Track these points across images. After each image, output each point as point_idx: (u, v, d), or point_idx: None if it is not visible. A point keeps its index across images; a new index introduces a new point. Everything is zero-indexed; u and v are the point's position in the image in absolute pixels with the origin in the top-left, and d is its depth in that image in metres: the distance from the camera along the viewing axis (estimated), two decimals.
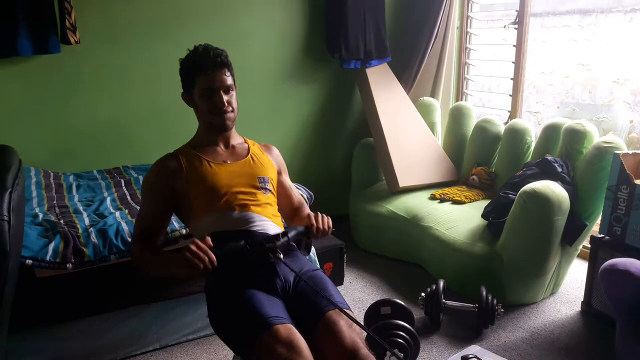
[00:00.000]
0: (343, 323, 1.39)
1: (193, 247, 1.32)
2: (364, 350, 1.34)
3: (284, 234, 1.53)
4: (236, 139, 1.76)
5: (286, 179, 1.86)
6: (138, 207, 2.32)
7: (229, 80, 1.63)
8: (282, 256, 1.48)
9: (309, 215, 1.58)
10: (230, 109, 1.63)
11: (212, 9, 3.10)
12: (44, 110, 2.81)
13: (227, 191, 1.61)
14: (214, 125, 1.65)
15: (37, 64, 2.73)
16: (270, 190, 1.70)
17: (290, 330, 1.33)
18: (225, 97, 1.60)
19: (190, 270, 1.33)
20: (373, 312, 2.26)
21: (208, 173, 1.63)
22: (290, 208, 1.82)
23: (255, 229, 1.58)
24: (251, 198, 1.64)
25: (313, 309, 1.45)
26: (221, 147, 1.71)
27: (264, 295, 1.45)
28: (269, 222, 1.64)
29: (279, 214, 1.75)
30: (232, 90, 1.64)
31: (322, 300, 1.44)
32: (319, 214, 1.57)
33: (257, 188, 1.67)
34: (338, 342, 1.35)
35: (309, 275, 1.54)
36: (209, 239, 1.37)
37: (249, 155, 1.74)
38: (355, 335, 1.37)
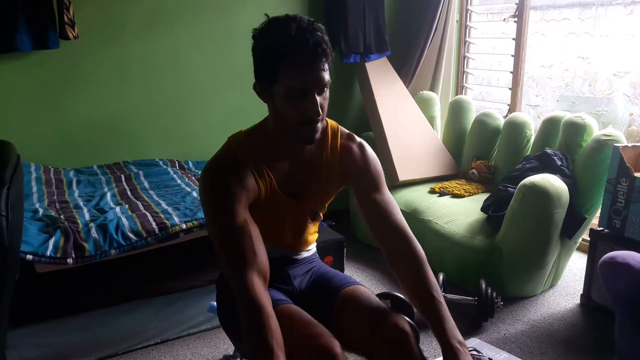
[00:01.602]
0: (361, 294, 1.34)
1: None
2: (391, 312, 1.28)
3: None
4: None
5: (381, 198, 1.35)
6: (138, 202, 2.33)
7: (327, 76, 1.18)
8: None
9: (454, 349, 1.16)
10: (321, 117, 1.20)
11: (210, 2, 3.09)
12: (43, 105, 2.81)
13: (280, 233, 1.38)
14: (297, 139, 1.24)
15: (36, 60, 2.73)
16: (318, 217, 1.44)
17: (291, 307, 1.29)
18: (319, 100, 1.18)
19: None
20: None
21: (272, 209, 1.31)
22: (388, 244, 1.32)
23: (303, 256, 1.49)
24: (300, 238, 1.44)
25: (327, 292, 1.39)
26: (292, 163, 1.32)
27: (274, 291, 1.37)
28: (313, 245, 1.52)
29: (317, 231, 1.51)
30: (327, 88, 1.21)
31: (335, 283, 1.40)
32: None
33: (311, 220, 1.44)
34: (362, 309, 1.29)
35: (319, 273, 1.49)
36: None
37: (321, 177, 1.36)
38: (375, 300, 1.32)
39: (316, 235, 1.52)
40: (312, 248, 1.54)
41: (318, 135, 1.24)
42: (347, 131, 1.41)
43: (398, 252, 1.29)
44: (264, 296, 1.14)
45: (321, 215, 1.45)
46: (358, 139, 1.42)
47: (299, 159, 1.33)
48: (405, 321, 1.26)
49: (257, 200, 1.27)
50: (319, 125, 1.22)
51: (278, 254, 1.40)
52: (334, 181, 1.39)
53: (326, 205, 1.45)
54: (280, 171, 1.30)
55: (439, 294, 1.23)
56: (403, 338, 1.22)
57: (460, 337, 1.19)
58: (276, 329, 1.11)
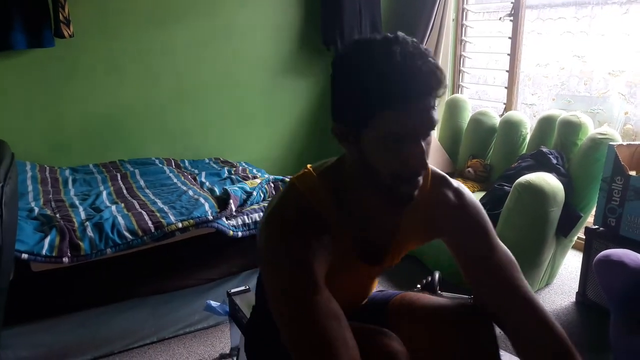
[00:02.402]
0: (417, 297, 1.18)
1: None
2: (471, 305, 1.12)
3: None
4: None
5: (487, 255, 1.08)
6: (134, 201, 2.32)
7: (436, 115, 0.92)
8: None
9: None
10: (425, 169, 0.94)
11: (206, 1, 3.09)
12: (38, 104, 2.80)
13: (344, 295, 1.05)
14: (391, 194, 0.96)
15: (31, 58, 2.72)
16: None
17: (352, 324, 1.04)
18: (424, 147, 0.92)
19: None
20: None
21: (342, 273, 1.05)
22: (512, 320, 1.04)
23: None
24: (365, 298, 1.28)
25: (373, 309, 1.21)
26: (372, 222, 1.07)
27: None
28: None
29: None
30: (433, 130, 0.93)
31: (379, 298, 1.23)
32: None
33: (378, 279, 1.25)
34: (429, 311, 1.13)
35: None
36: None
37: (403, 235, 1.12)
38: (441, 299, 1.17)
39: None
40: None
41: (417, 193, 0.96)
42: (439, 173, 1.11)
43: (532, 337, 1.00)
44: None
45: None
46: (454, 183, 1.12)
47: (381, 216, 1.07)
48: (489, 321, 1.09)
49: (331, 264, 0.99)
50: (420, 179, 0.96)
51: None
52: (419, 238, 1.15)
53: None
54: (358, 232, 1.05)
55: None
56: (491, 335, 1.07)
57: None
58: None
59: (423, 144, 0.91)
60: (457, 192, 1.10)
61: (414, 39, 0.90)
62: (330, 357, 0.86)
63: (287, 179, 2.55)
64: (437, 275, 2.41)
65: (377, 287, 1.40)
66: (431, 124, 0.90)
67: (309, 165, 1.06)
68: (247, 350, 1.33)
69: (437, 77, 0.88)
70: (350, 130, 0.94)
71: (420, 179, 0.95)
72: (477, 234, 1.08)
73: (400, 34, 0.90)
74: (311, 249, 0.94)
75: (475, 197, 1.15)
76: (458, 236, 1.09)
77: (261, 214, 2.29)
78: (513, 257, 1.08)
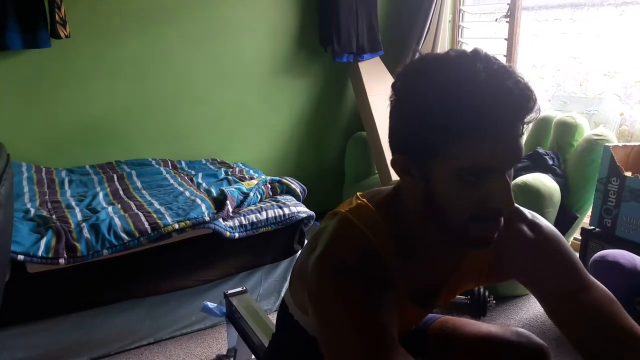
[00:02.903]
0: (458, 321, 1.12)
1: None
2: (518, 328, 1.06)
3: None
4: None
5: (581, 294, 0.92)
6: (130, 202, 2.32)
7: (522, 145, 0.80)
8: None
9: None
10: (511, 207, 0.79)
11: (203, 1, 3.09)
12: (34, 105, 2.79)
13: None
14: (466, 238, 0.82)
15: (27, 59, 2.71)
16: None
17: None
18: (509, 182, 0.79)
19: None
20: None
21: (398, 318, 0.87)
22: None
23: None
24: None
25: (413, 334, 1.12)
26: (433, 263, 0.95)
27: None
28: None
29: None
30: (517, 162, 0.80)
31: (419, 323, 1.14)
32: None
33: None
34: (473, 338, 1.06)
35: None
36: None
37: (462, 276, 1.00)
38: (484, 324, 1.09)
39: None
40: None
41: (497, 236, 0.82)
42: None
43: None
44: None
45: None
46: (527, 213, 0.99)
47: (443, 258, 0.95)
48: (542, 343, 1.02)
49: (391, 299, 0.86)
50: (502, 221, 0.81)
51: None
52: (482, 280, 1.01)
53: None
54: (415, 273, 0.92)
55: None
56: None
57: None
58: None
59: (507, 178, 0.78)
60: (533, 225, 0.96)
61: (496, 56, 0.76)
62: None
63: (285, 180, 2.56)
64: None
65: None
66: (519, 155, 0.77)
67: (359, 194, 0.93)
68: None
69: (530, 101, 0.74)
70: (415, 162, 0.80)
71: (502, 219, 0.81)
72: (564, 267, 0.93)
73: (479, 48, 0.77)
74: (380, 300, 0.80)
75: (553, 227, 1.00)
76: (539, 274, 0.94)
77: (258, 214, 2.29)
78: (613, 296, 0.91)
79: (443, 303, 1.03)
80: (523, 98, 0.73)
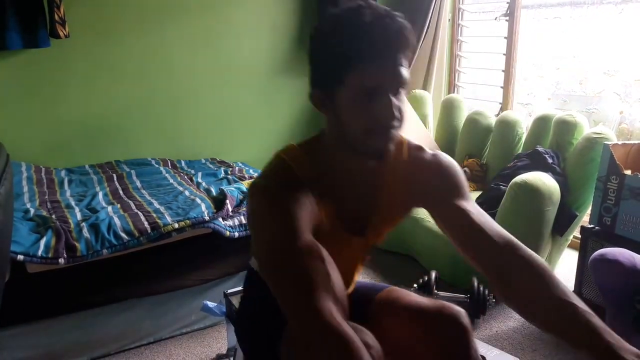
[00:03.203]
0: (400, 294, 1.20)
1: None
2: (448, 304, 1.14)
3: None
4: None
5: (470, 206, 1.10)
6: (130, 202, 2.32)
7: (406, 72, 0.97)
8: None
9: None
10: (398, 123, 0.99)
11: (202, 1, 3.09)
12: (34, 105, 2.80)
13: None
14: (366, 152, 1.00)
15: (26, 58, 2.71)
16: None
17: None
18: (395, 102, 0.97)
19: None
20: None
21: (328, 244, 1.00)
22: (494, 262, 1.05)
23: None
24: (350, 280, 1.25)
25: (358, 301, 1.17)
26: (355, 190, 1.10)
27: None
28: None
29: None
30: (404, 88, 0.99)
31: (365, 290, 1.24)
32: None
33: (362, 260, 1.24)
34: (407, 309, 1.15)
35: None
36: None
37: (386, 203, 1.14)
38: (420, 297, 1.18)
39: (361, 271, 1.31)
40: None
41: (392, 147, 1.00)
42: (415, 143, 1.15)
43: (509, 264, 1.02)
44: (348, 327, 0.87)
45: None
46: (431, 151, 1.17)
47: (361, 182, 1.10)
48: (465, 315, 1.12)
49: (316, 231, 1.01)
50: (394, 133, 0.99)
51: None
52: (402, 206, 1.17)
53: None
54: (340, 198, 1.07)
55: (581, 302, 0.95)
56: (462, 335, 1.10)
57: (634, 349, 0.87)
58: None
59: (395, 99, 0.96)
60: (435, 155, 1.15)
61: (390, 9, 0.97)
62: (309, 286, 0.88)
63: None
64: (433, 274, 2.42)
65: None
66: (400, 80, 0.96)
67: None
68: (240, 341, 1.36)
69: (404, 35, 0.95)
70: (326, 93, 1.00)
71: (394, 133, 0.99)
72: (453, 185, 1.12)
73: (372, 1, 0.97)
74: (294, 200, 0.98)
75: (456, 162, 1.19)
76: (436, 191, 1.11)
77: None
78: (487, 218, 1.11)
79: (376, 234, 1.16)
80: (399, 32, 0.94)
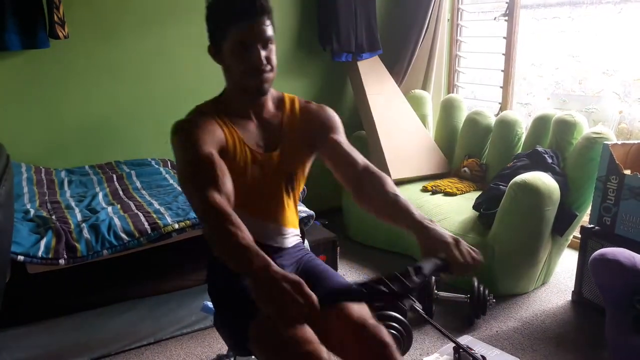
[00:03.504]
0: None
1: (287, 286, 0.97)
2: (372, 320, 1.27)
3: (418, 269, 1.09)
4: (269, 105, 1.41)
5: (341, 138, 1.44)
6: (130, 202, 2.32)
7: (269, 31, 1.29)
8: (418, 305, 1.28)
9: (446, 243, 1.13)
10: (269, 67, 1.30)
11: (201, 1, 3.08)
12: (34, 105, 2.79)
13: (255, 194, 1.39)
14: (248, 90, 1.33)
15: (26, 59, 2.71)
16: (293, 185, 1.47)
17: None
18: (263, 53, 1.28)
19: (269, 306, 0.97)
20: None
21: (241, 166, 1.34)
22: (354, 177, 1.37)
23: (287, 245, 1.47)
24: (278, 207, 1.44)
25: (314, 291, 1.29)
26: (254, 122, 1.40)
27: None
28: (295, 231, 1.52)
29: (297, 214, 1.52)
30: (271, 43, 1.31)
31: (324, 282, 1.38)
32: (462, 243, 1.15)
33: (285, 189, 1.44)
34: (345, 315, 1.27)
35: (307, 266, 1.47)
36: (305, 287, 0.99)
37: (285, 138, 1.41)
38: (362, 307, 1.30)
39: (297, 218, 1.53)
40: (297, 237, 1.53)
41: (267, 85, 1.33)
42: (305, 99, 1.50)
43: (364, 179, 1.36)
44: (230, 209, 1.13)
45: (299, 188, 1.49)
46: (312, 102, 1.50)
47: (259, 119, 1.41)
48: (385, 332, 1.26)
49: (225, 150, 1.31)
50: (267, 75, 1.31)
51: (262, 239, 1.40)
52: (302, 142, 1.44)
53: (301, 175, 1.48)
54: (243, 127, 1.38)
55: (402, 197, 1.28)
56: (383, 350, 1.23)
57: (429, 219, 1.22)
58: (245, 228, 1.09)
59: (263, 52, 1.28)
60: (319, 105, 1.48)
61: None
62: (202, 181, 1.18)
63: None
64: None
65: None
66: (263, 35, 1.27)
67: None
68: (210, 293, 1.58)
69: (260, 3, 1.26)
70: (216, 46, 1.33)
71: (267, 75, 1.30)
72: (331, 124, 1.44)
73: None
74: (196, 127, 1.29)
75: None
76: (321, 128, 1.43)
77: None
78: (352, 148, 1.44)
79: (287, 159, 1.42)
80: (254, 2, 1.25)
